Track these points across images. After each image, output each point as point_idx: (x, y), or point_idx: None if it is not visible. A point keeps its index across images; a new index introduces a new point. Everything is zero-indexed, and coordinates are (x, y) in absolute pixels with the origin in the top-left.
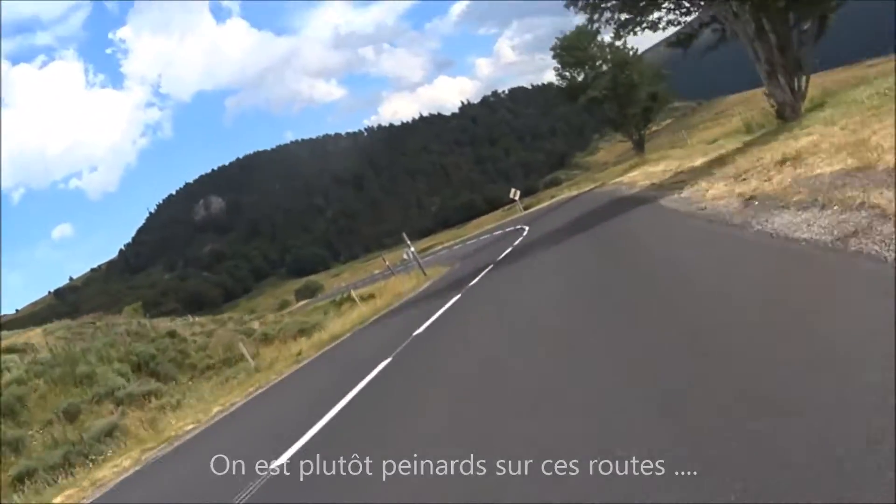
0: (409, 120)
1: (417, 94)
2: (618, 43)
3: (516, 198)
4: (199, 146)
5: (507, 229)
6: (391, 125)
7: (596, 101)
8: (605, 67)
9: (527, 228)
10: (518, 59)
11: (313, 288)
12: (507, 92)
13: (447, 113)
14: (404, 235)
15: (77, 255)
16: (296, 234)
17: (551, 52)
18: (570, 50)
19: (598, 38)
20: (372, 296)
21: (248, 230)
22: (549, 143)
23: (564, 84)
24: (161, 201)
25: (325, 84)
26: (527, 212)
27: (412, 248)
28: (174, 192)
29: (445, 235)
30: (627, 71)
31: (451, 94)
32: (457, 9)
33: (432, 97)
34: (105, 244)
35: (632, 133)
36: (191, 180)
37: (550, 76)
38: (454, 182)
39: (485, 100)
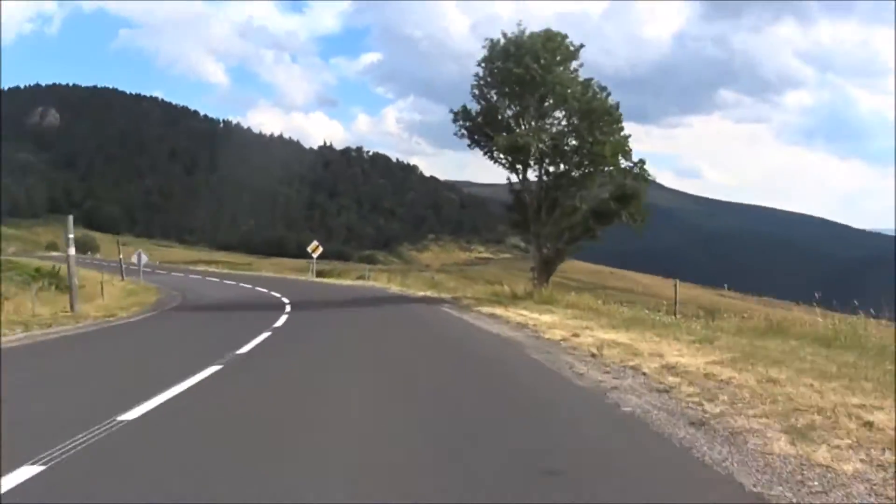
0: (269, 134)
1: (290, 117)
2: None
3: (314, 255)
4: (61, 58)
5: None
6: (248, 129)
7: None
8: None
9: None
10: (396, 132)
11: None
12: (370, 153)
13: (306, 146)
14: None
15: None
16: (104, 187)
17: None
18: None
19: None
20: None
21: (64, 159)
22: (386, 221)
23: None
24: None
25: (213, 63)
26: (318, 280)
27: (145, 256)
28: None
29: (236, 258)
30: None
31: (319, 132)
32: (368, 58)
33: (301, 126)
34: None
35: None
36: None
37: (417, 161)
38: (277, 213)
39: (346, 150)
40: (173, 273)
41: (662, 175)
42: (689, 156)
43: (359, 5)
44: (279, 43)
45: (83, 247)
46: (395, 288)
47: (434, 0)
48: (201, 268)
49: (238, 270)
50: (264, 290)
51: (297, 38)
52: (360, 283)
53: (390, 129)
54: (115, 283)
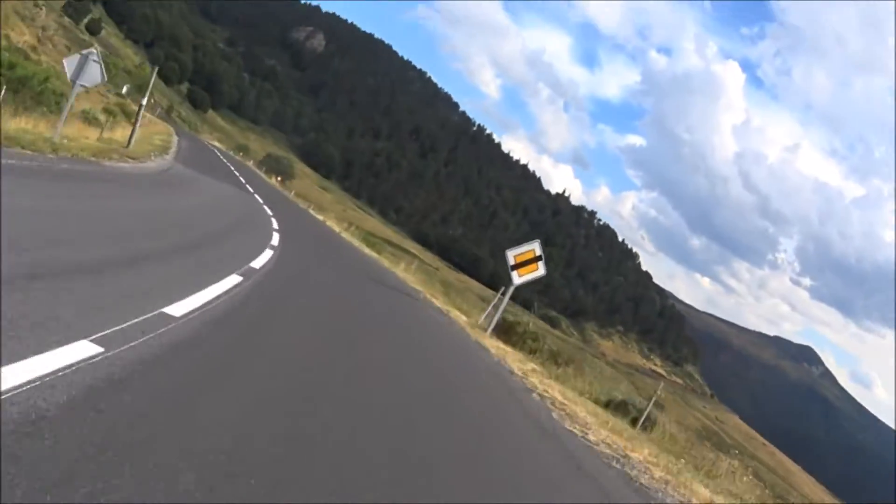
0: (516, 158)
1: (539, 158)
2: None
3: (519, 279)
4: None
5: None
6: (498, 144)
7: None
8: None
9: None
10: (628, 217)
11: None
12: (601, 222)
13: (544, 187)
14: None
15: None
16: (336, 128)
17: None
18: None
19: None
20: None
21: (310, 84)
22: (585, 292)
23: None
24: None
25: (490, 74)
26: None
27: None
28: None
29: (427, 257)
30: None
31: (560, 184)
32: (630, 139)
33: (546, 171)
34: None
35: None
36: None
37: (640, 252)
38: (487, 234)
39: (580, 209)
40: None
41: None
42: (869, 364)
43: (645, 87)
44: (558, 86)
45: (277, 167)
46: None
47: (712, 110)
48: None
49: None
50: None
51: (576, 90)
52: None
53: (624, 212)
54: None
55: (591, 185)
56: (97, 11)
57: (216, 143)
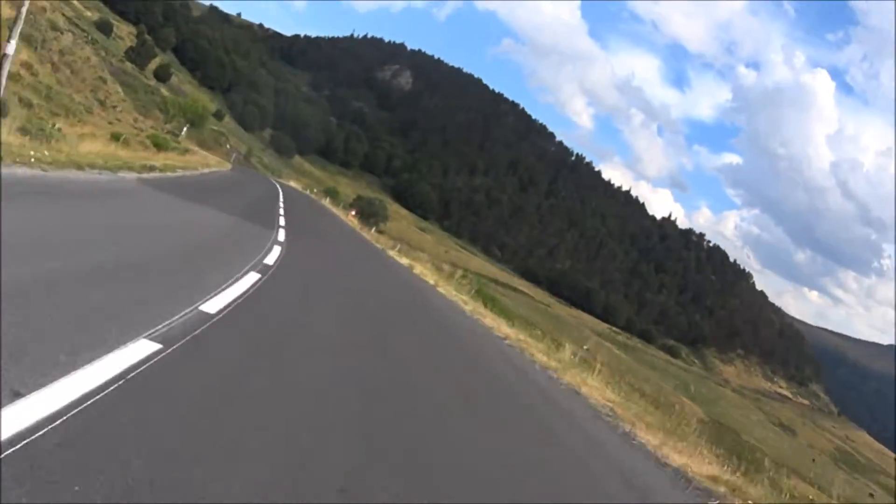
0: (617, 185)
1: (638, 184)
2: None
3: None
4: (436, 38)
5: None
6: (598, 172)
7: None
8: None
9: None
10: (731, 237)
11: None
12: (710, 244)
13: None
14: None
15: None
16: (430, 166)
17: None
18: None
19: None
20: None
21: (401, 124)
22: (702, 318)
23: None
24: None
25: (581, 104)
26: None
27: None
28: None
29: (536, 293)
30: None
31: (660, 209)
32: (726, 158)
33: (645, 197)
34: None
35: None
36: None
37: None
38: (597, 265)
39: (688, 232)
40: None
41: None
42: None
43: (736, 104)
44: (650, 110)
45: (369, 209)
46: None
47: (805, 122)
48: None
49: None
50: None
51: (668, 112)
52: None
53: (727, 232)
54: None
55: (692, 208)
56: (167, 58)
57: (291, 183)
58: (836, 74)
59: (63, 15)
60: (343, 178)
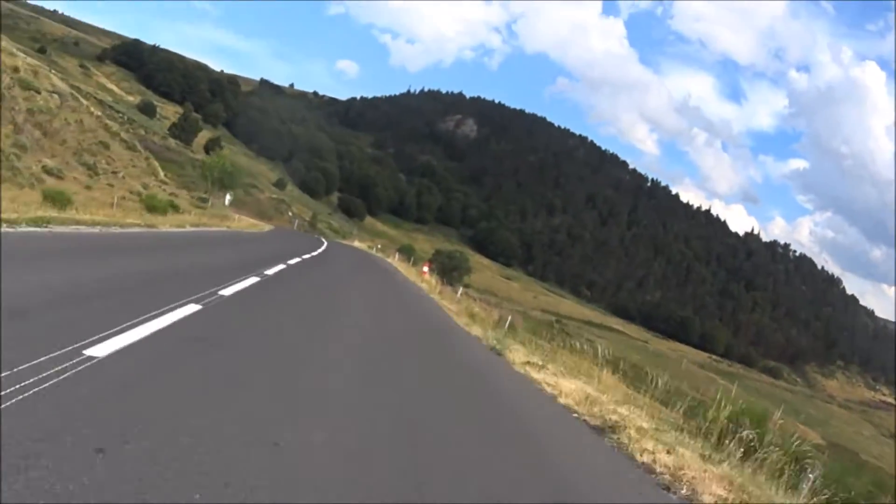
0: (695, 206)
1: (710, 203)
2: None
3: None
4: (492, 88)
5: None
6: (676, 195)
7: None
8: None
9: None
10: (808, 244)
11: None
12: (796, 254)
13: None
14: None
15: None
16: (507, 212)
17: None
18: None
19: None
20: None
21: (471, 172)
22: (798, 332)
23: None
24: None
25: (644, 131)
26: None
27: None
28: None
29: (631, 330)
30: None
31: (734, 225)
32: (793, 164)
33: (719, 213)
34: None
35: None
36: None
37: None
38: (687, 291)
39: (772, 244)
40: None
41: None
42: None
43: (794, 109)
44: (712, 128)
45: (449, 263)
46: None
47: (862, 116)
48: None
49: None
50: None
51: (730, 128)
52: None
53: (802, 239)
54: None
55: (766, 219)
56: (218, 132)
57: (356, 244)
58: (884, 64)
59: (53, 75)
60: (419, 234)
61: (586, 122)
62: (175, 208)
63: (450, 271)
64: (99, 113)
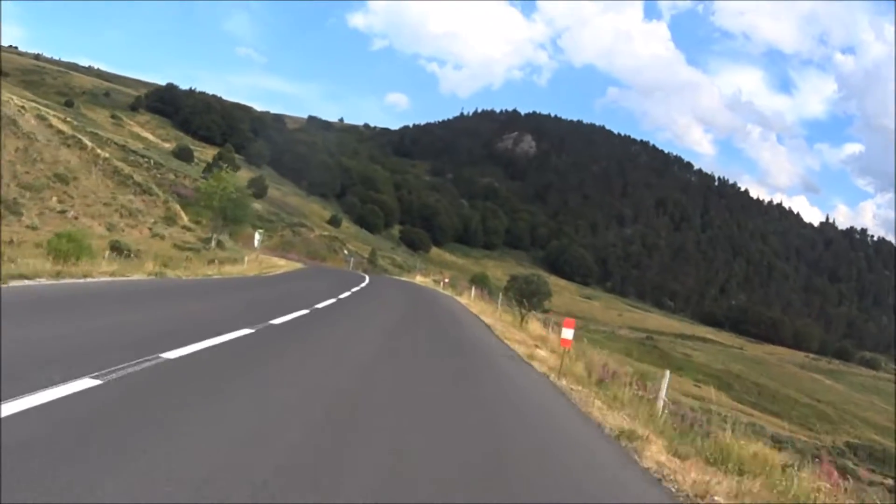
0: (766, 200)
1: (773, 197)
2: None
3: None
4: (544, 105)
5: None
6: (745, 192)
7: None
8: None
9: None
10: (872, 227)
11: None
12: (874, 238)
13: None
14: None
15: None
16: (576, 227)
17: None
18: None
19: None
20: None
21: (534, 190)
22: (889, 320)
23: None
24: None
25: (700, 132)
26: None
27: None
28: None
29: (724, 338)
30: None
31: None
32: (848, 149)
33: (791, 206)
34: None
35: None
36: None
37: None
38: (771, 290)
39: (849, 231)
40: None
41: None
42: None
43: (843, 93)
44: (765, 121)
45: (527, 288)
46: None
47: None
48: None
49: None
50: None
51: (783, 120)
52: None
53: (867, 223)
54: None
55: (829, 208)
56: (262, 171)
57: (417, 280)
58: None
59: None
60: (489, 260)
61: (641, 127)
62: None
63: (529, 297)
64: (107, 155)
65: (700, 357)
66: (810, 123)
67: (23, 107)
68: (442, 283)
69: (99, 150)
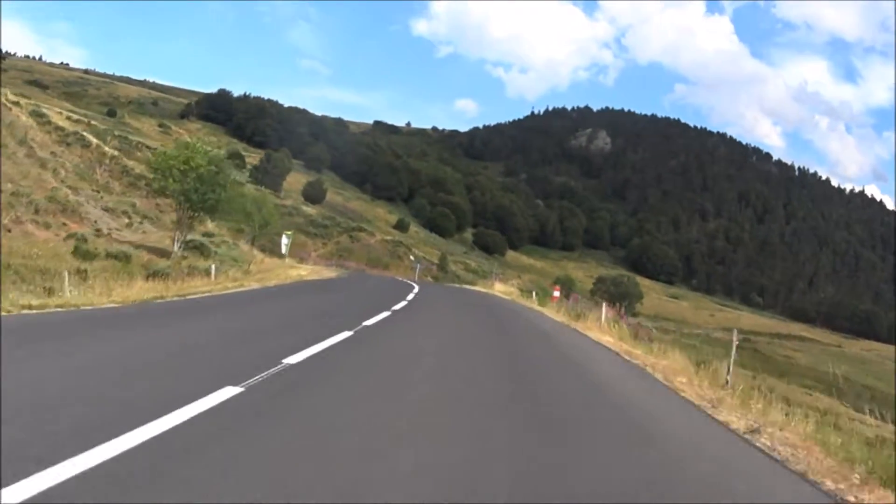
0: (848, 189)
1: (852, 186)
2: None
3: None
4: (616, 102)
5: None
6: (826, 180)
7: None
8: None
9: None
10: None
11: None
12: None
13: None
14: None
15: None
16: (657, 224)
17: None
18: None
19: None
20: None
21: (612, 188)
22: None
23: None
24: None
25: (768, 125)
26: None
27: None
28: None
29: (817, 335)
30: None
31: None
32: None
33: (873, 194)
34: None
35: None
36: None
37: None
38: (860, 282)
39: None
40: None
41: None
42: None
43: None
44: (832, 112)
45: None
46: None
47: None
48: None
49: None
50: None
51: (850, 109)
52: None
53: None
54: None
55: None
56: (323, 176)
57: (496, 288)
58: None
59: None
60: (568, 262)
61: (710, 123)
62: None
63: (619, 299)
64: (115, 153)
65: (802, 359)
66: (877, 112)
67: (17, 102)
68: (533, 294)
69: (107, 148)
